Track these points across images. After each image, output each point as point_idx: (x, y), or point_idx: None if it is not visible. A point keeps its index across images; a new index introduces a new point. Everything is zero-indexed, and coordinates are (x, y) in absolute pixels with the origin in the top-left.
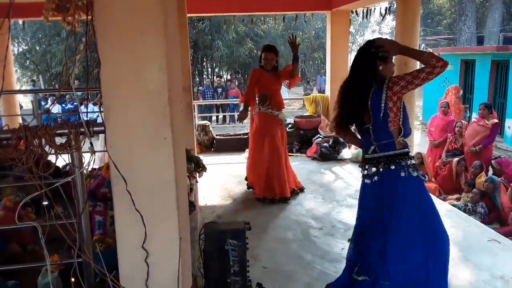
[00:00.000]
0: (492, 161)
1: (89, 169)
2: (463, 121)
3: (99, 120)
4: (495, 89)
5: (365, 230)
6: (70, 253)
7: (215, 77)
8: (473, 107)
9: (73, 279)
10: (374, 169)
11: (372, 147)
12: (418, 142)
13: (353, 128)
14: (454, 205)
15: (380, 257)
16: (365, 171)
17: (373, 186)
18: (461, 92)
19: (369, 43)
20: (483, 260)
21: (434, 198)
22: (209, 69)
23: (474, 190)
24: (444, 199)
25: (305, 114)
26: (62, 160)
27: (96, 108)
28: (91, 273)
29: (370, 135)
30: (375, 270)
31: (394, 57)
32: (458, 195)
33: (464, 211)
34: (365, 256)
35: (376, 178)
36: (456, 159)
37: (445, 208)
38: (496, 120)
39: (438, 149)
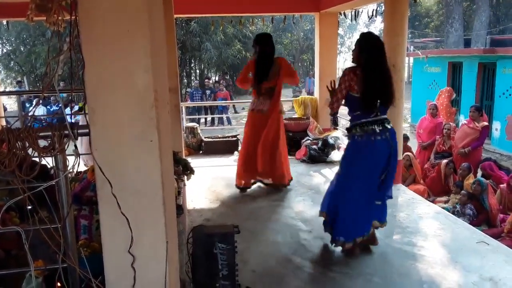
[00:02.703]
0: (481, 165)
1: (74, 172)
2: (451, 123)
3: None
4: (482, 91)
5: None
6: (55, 258)
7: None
8: (461, 110)
9: (58, 285)
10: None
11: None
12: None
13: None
14: (443, 207)
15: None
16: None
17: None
18: (454, 95)
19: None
20: (472, 262)
21: (423, 200)
22: (197, 71)
23: (462, 191)
24: (433, 201)
25: (294, 116)
26: (46, 163)
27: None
28: (77, 278)
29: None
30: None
31: None
32: (447, 197)
33: (453, 213)
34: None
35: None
36: (444, 161)
37: (433, 210)
38: (486, 123)
39: (426, 151)
